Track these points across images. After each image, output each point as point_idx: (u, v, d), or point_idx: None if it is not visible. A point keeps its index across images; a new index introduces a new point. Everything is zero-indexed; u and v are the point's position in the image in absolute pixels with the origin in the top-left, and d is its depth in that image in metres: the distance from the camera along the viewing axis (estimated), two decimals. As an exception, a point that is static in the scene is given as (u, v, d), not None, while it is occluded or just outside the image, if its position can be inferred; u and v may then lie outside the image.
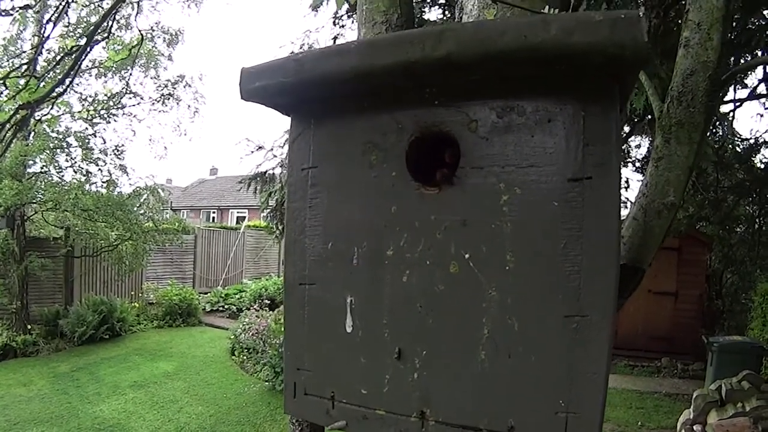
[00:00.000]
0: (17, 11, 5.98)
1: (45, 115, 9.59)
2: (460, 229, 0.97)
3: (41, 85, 5.55)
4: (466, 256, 0.96)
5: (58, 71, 6.61)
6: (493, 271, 0.94)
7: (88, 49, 5.87)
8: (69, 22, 7.39)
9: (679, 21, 1.93)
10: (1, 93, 5.63)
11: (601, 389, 0.88)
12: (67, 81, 6.20)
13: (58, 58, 6.19)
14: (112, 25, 6.14)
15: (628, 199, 7.80)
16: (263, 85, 1.08)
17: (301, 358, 1.15)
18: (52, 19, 5.76)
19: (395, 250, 1.03)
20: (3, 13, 5.68)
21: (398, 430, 1.04)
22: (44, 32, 6.12)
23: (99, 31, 5.83)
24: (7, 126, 5.41)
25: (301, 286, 1.14)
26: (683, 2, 1.91)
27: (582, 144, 0.89)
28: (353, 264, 1.07)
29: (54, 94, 5.89)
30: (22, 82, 5.38)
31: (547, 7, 1.25)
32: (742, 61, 6.06)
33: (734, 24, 5.49)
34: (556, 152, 0.91)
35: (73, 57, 5.68)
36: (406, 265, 1.02)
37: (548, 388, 0.91)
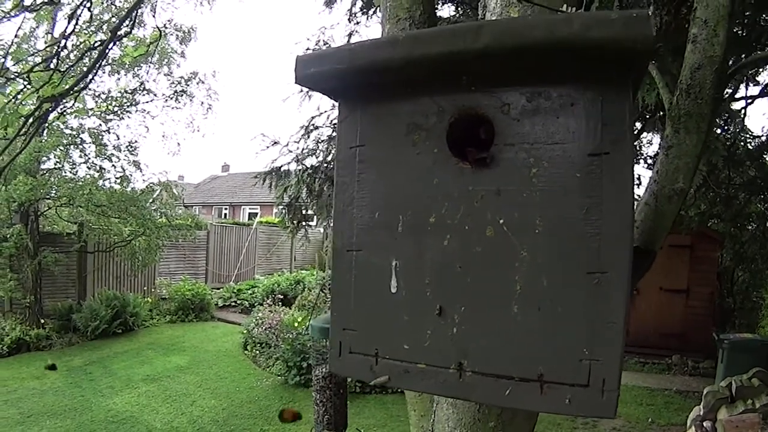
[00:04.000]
0: (40, 7, 6.11)
1: (69, 108, 9.68)
2: (495, 198, 1.10)
3: (64, 80, 5.67)
4: (501, 221, 1.09)
5: (77, 66, 6.75)
6: (524, 234, 1.07)
7: (111, 45, 5.99)
8: (89, 18, 7.48)
9: (690, 19, 2.03)
10: (21, 90, 5.77)
11: (620, 337, 1.00)
12: (90, 75, 6.33)
13: (81, 53, 6.33)
14: (134, 22, 6.26)
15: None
16: (318, 71, 1.20)
17: (347, 318, 1.27)
18: (76, 15, 5.87)
19: (437, 217, 1.15)
20: (28, 9, 5.82)
21: (438, 382, 1.16)
22: (65, 29, 6.23)
23: (121, 26, 5.95)
24: (30, 119, 5.52)
25: (349, 253, 1.26)
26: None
27: (600, 124, 1.02)
28: (398, 231, 1.19)
29: (77, 88, 6.01)
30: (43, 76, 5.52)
31: (565, 5, 1.38)
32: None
33: (745, 21, 5.55)
34: (578, 131, 1.04)
35: (96, 52, 5.81)
36: (446, 230, 1.14)
37: (573, 337, 1.03)
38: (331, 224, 1.32)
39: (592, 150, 1.03)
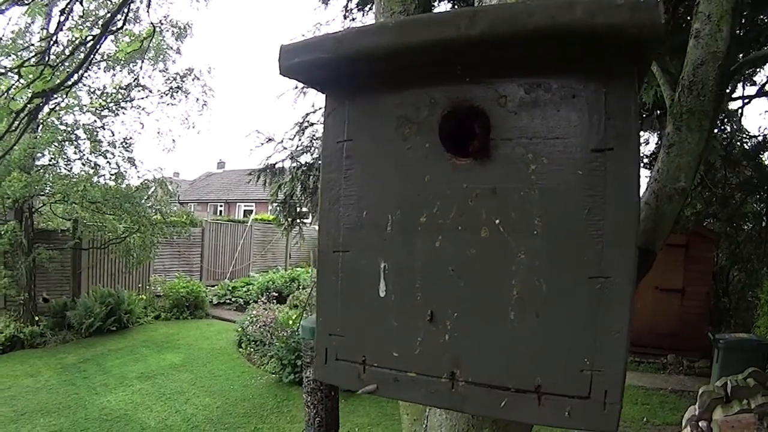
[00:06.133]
0: (32, 1, 6.04)
1: (59, 104, 9.63)
2: (491, 197, 1.02)
3: (56, 75, 5.61)
4: (497, 221, 1.01)
5: (68, 62, 6.69)
6: (521, 235, 1.00)
7: (102, 40, 5.92)
8: (82, 13, 7.42)
9: (689, 17, 1.98)
10: (12, 85, 5.69)
11: (624, 347, 0.93)
12: (81, 71, 6.26)
13: (73, 48, 6.27)
14: (126, 16, 6.20)
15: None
16: (302, 61, 1.13)
17: (334, 323, 1.20)
18: (67, 10, 5.81)
19: (428, 217, 1.08)
20: (19, 3, 5.74)
21: (429, 391, 1.09)
22: (58, 23, 6.17)
23: (113, 21, 5.89)
24: (21, 115, 5.45)
25: (335, 254, 1.19)
26: (693, -2, 1.97)
27: (604, 118, 0.95)
28: (387, 231, 1.12)
29: (69, 83, 5.95)
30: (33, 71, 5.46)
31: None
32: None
33: (743, 20, 5.51)
34: (581, 125, 0.97)
35: (87, 47, 5.74)
36: (438, 231, 1.07)
37: (573, 346, 0.96)
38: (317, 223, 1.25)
39: (595, 145, 0.95)
